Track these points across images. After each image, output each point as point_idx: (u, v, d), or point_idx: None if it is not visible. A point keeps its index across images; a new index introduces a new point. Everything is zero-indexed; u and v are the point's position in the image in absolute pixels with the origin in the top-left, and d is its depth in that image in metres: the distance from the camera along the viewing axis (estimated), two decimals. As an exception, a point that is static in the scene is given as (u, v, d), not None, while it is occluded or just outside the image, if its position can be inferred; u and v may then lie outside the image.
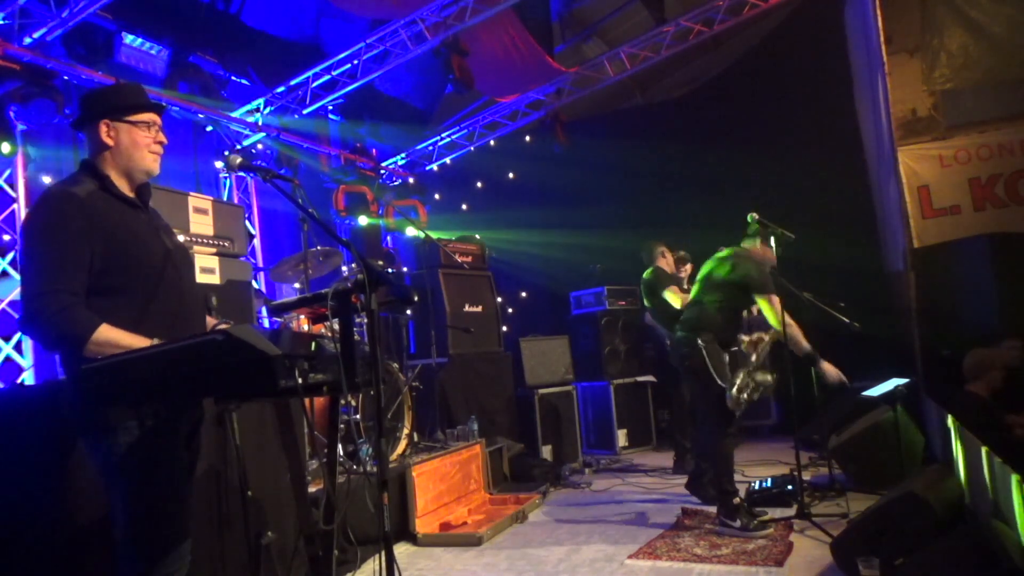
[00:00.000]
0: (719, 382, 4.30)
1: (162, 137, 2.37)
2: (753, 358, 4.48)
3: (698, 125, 8.65)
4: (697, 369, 4.39)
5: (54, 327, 2.07)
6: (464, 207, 9.71)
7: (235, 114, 7.00)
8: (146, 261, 2.25)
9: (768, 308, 4.40)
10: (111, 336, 2.08)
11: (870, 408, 5.25)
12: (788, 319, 4.39)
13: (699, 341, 4.37)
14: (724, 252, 4.67)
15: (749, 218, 4.52)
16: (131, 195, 2.34)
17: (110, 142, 2.30)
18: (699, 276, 4.76)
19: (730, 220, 5.47)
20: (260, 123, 7.10)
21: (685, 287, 6.12)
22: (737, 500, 4.24)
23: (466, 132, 9.04)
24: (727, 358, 4.44)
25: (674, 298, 5.55)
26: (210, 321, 2.52)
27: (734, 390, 4.28)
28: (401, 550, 4.37)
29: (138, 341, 2.11)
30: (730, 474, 4.32)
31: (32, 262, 2.12)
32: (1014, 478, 2.61)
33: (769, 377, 4.46)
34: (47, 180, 5.73)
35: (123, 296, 2.19)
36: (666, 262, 5.93)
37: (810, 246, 5.09)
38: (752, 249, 4.60)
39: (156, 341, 2.12)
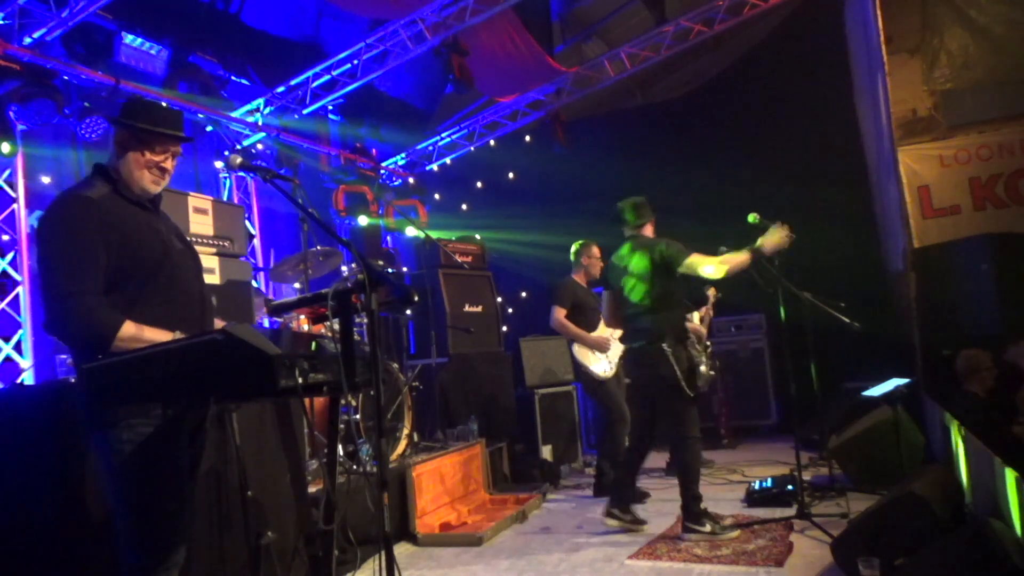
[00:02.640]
0: (686, 388, 4.22)
1: (167, 165, 2.41)
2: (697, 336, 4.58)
3: (698, 125, 8.65)
4: (666, 375, 4.25)
5: (83, 329, 2.14)
6: (464, 207, 9.71)
7: (235, 114, 7.00)
8: (155, 262, 2.29)
9: (701, 261, 4.25)
10: (135, 332, 2.15)
11: (870, 408, 5.25)
12: (711, 260, 4.26)
13: (664, 347, 4.25)
14: (625, 250, 4.55)
15: (750, 218, 4.51)
16: (143, 198, 2.38)
17: (119, 152, 2.36)
18: (626, 291, 4.51)
19: (730, 220, 5.46)
20: (260, 123, 7.10)
21: None
22: (704, 506, 4.20)
23: (466, 132, 9.04)
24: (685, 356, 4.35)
25: (559, 315, 5.48)
26: (218, 323, 2.53)
27: (702, 367, 4.30)
28: (401, 550, 4.37)
29: (160, 335, 2.17)
30: (698, 480, 4.25)
31: (52, 265, 2.18)
32: (1013, 477, 2.61)
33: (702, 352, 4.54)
34: (47, 180, 5.73)
35: (132, 295, 2.23)
36: (584, 276, 5.71)
37: (810, 246, 5.08)
38: (645, 230, 4.59)
39: (178, 334, 2.19)
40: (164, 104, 2.58)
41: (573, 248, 5.83)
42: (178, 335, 2.19)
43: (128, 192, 2.34)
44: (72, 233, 2.18)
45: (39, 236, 2.24)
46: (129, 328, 2.15)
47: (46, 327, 2.19)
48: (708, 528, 4.12)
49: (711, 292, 6.45)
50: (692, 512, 4.19)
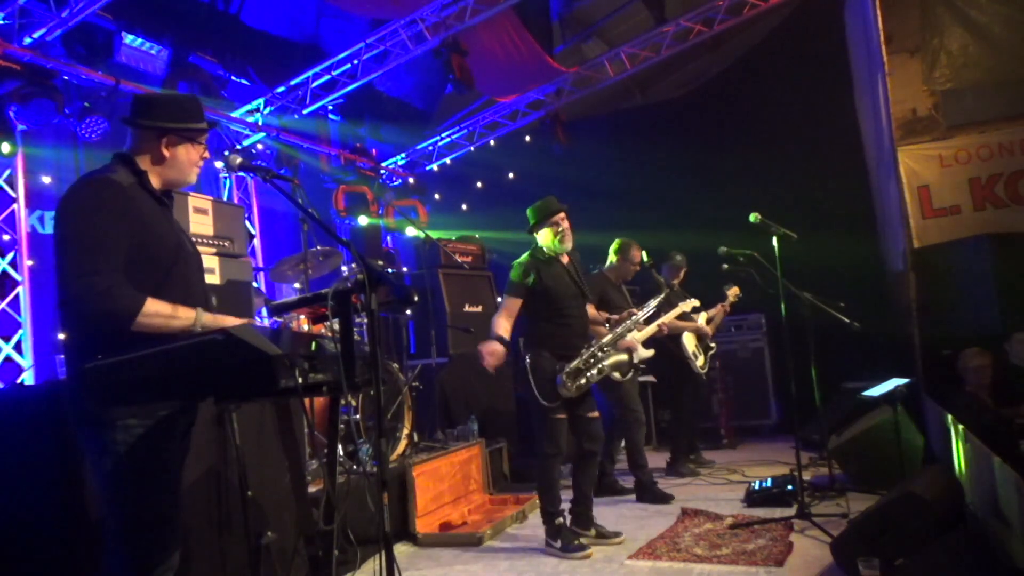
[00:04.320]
0: (540, 399, 4.08)
1: (207, 153, 2.44)
2: (607, 339, 4.29)
3: (698, 125, 8.65)
4: (524, 385, 4.18)
5: (104, 306, 2.08)
6: (464, 207, 9.71)
7: (235, 114, 7.00)
8: (170, 258, 2.28)
9: (499, 312, 4.25)
10: (158, 308, 2.12)
11: (870, 408, 5.25)
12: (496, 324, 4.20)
13: (527, 357, 4.17)
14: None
15: (751, 218, 4.52)
16: (162, 193, 2.38)
17: (167, 155, 2.34)
18: None
19: (730, 220, 5.47)
20: (260, 123, 7.10)
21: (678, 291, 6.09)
22: (559, 521, 4.15)
23: (466, 132, 9.04)
24: (563, 368, 4.12)
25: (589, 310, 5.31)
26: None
27: (564, 375, 4.08)
28: (401, 550, 4.37)
29: (183, 311, 2.16)
30: (552, 495, 4.18)
31: (74, 242, 2.13)
32: (1014, 478, 2.61)
33: (624, 357, 4.29)
34: (47, 180, 5.73)
35: (148, 288, 2.19)
36: (615, 273, 5.66)
37: (810, 246, 5.08)
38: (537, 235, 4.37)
39: (200, 310, 2.18)
40: (189, 96, 2.55)
41: (613, 245, 5.71)
42: (200, 311, 2.18)
43: (151, 186, 2.32)
44: (95, 212, 2.14)
45: (59, 214, 2.19)
46: (152, 304, 2.11)
47: (61, 306, 2.13)
48: (559, 544, 4.08)
49: (732, 291, 6.31)
50: (548, 526, 4.18)
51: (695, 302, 5.76)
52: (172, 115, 2.34)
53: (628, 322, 4.48)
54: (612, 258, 5.71)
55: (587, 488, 4.36)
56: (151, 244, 2.22)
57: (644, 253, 5.58)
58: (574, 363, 4.15)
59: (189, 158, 2.37)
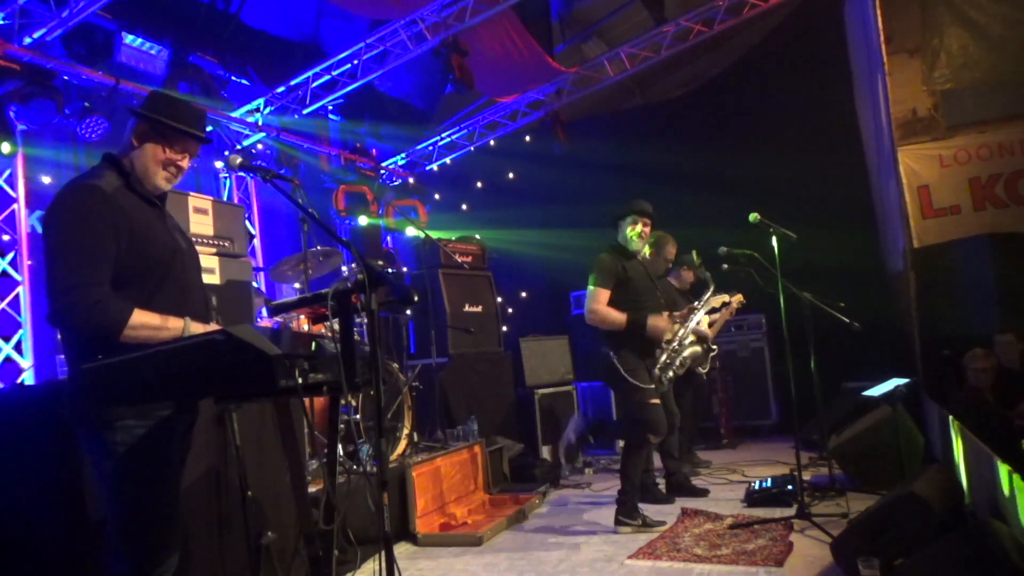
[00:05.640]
0: (633, 381, 4.30)
1: (184, 164, 2.37)
2: (681, 332, 4.54)
3: (698, 125, 8.66)
4: (614, 380, 4.42)
5: (90, 320, 2.08)
6: (464, 207, 9.72)
7: (235, 114, 7.00)
8: (167, 260, 2.27)
9: (594, 299, 4.38)
10: (145, 319, 2.12)
11: (870, 408, 5.25)
12: (608, 313, 4.35)
13: (611, 354, 4.38)
14: None
15: (751, 218, 4.51)
16: (152, 194, 2.35)
17: (135, 144, 2.31)
18: None
19: (730, 220, 5.47)
20: (260, 123, 7.10)
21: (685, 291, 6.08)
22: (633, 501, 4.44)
23: (466, 132, 9.05)
24: (646, 360, 4.41)
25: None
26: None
27: (656, 369, 4.40)
28: (401, 550, 4.37)
29: (172, 322, 2.16)
30: (633, 480, 4.42)
31: (60, 254, 2.11)
32: (1013, 477, 2.61)
33: (699, 348, 4.65)
34: (47, 180, 5.74)
35: (147, 292, 2.20)
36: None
37: (810, 246, 5.08)
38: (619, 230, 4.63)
39: (188, 320, 2.18)
40: (189, 102, 2.51)
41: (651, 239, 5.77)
42: (188, 320, 2.18)
43: (139, 187, 2.30)
44: (81, 222, 2.12)
45: (46, 224, 2.18)
46: (139, 315, 2.11)
47: (49, 319, 2.12)
48: (639, 522, 4.37)
49: (736, 298, 6.19)
50: (623, 505, 4.45)
51: (724, 297, 5.76)
52: (157, 108, 2.31)
53: (694, 316, 4.74)
54: (646, 252, 5.68)
55: (635, 476, 4.56)
56: (144, 247, 2.21)
57: (695, 252, 5.63)
58: (663, 358, 4.47)
59: (154, 155, 2.29)
